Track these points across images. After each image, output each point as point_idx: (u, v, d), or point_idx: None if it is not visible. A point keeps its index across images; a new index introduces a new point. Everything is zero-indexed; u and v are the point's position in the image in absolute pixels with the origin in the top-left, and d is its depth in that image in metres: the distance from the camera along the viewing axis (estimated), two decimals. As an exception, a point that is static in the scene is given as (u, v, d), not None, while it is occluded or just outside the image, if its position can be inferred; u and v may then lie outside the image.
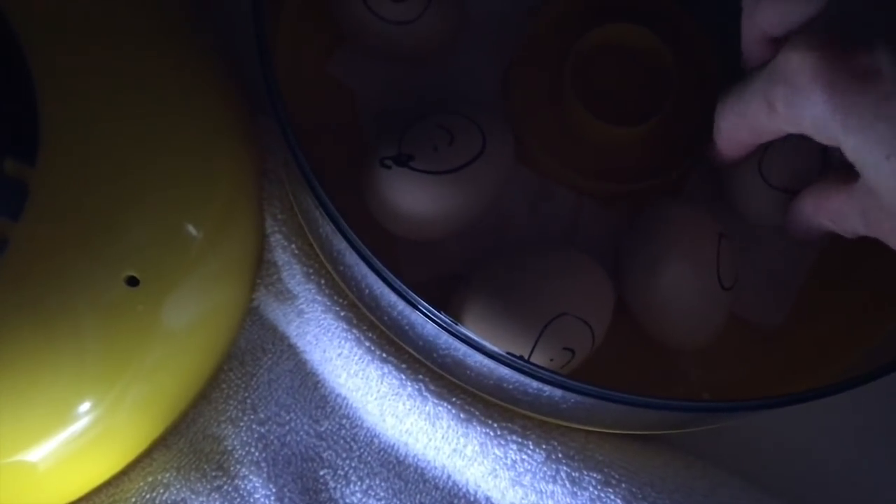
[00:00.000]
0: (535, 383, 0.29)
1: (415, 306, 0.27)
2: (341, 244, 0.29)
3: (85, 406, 0.32)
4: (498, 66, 0.37)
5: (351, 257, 0.29)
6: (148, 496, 0.34)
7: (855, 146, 0.26)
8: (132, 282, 0.30)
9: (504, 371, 0.30)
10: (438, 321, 0.27)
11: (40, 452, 0.32)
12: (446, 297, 0.34)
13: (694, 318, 0.34)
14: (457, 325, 0.27)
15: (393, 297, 0.29)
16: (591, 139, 0.36)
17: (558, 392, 0.30)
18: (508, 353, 0.27)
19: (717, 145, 0.33)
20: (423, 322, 0.29)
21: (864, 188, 0.27)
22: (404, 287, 0.27)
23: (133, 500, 0.34)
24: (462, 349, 0.29)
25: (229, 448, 0.35)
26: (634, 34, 0.36)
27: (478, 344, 0.26)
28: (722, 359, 0.36)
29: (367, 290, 0.32)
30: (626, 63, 0.36)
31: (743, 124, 0.30)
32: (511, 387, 0.32)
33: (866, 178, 0.27)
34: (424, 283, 0.36)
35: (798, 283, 0.37)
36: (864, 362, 0.34)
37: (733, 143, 0.32)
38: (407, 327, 0.32)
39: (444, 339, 0.30)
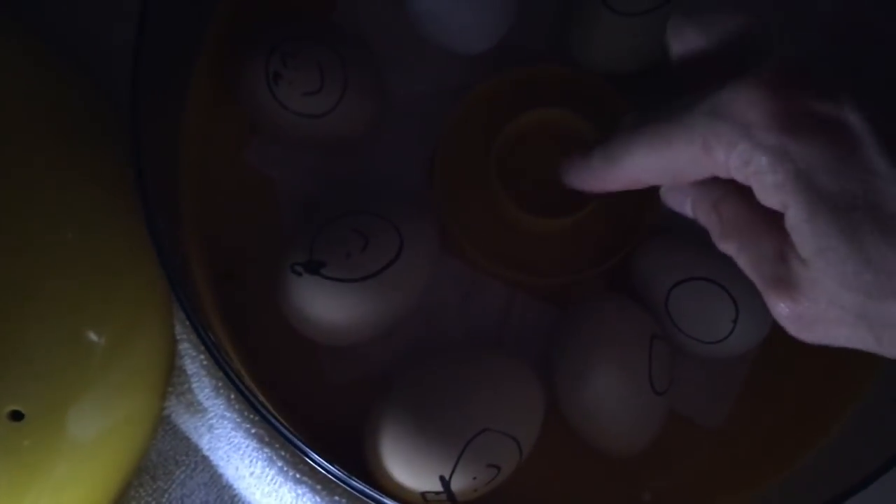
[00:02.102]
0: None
1: (306, 456, 0.25)
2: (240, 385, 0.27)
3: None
4: (423, 154, 0.35)
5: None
6: None
7: (798, 215, 0.22)
8: (16, 416, 0.28)
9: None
10: (331, 473, 0.25)
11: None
12: (369, 401, 0.32)
13: (625, 425, 0.32)
14: (350, 478, 0.25)
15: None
16: (521, 230, 0.34)
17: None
18: (422, 492, 0.25)
19: (604, 180, 0.27)
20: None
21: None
22: (295, 438, 0.25)
23: None
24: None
25: (140, 571, 0.33)
26: (566, 119, 0.34)
27: (372, 497, 0.24)
28: (664, 458, 0.35)
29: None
30: (557, 149, 0.34)
31: (655, 163, 0.25)
32: (431, 510, 0.30)
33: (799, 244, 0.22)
34: (347, 387, 0.35)
35: (739, 380, 0.35)
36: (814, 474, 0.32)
37: (630, 180, 0.26)
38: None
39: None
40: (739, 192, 0.25)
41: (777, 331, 0.29)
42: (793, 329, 0.24)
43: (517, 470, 0.32)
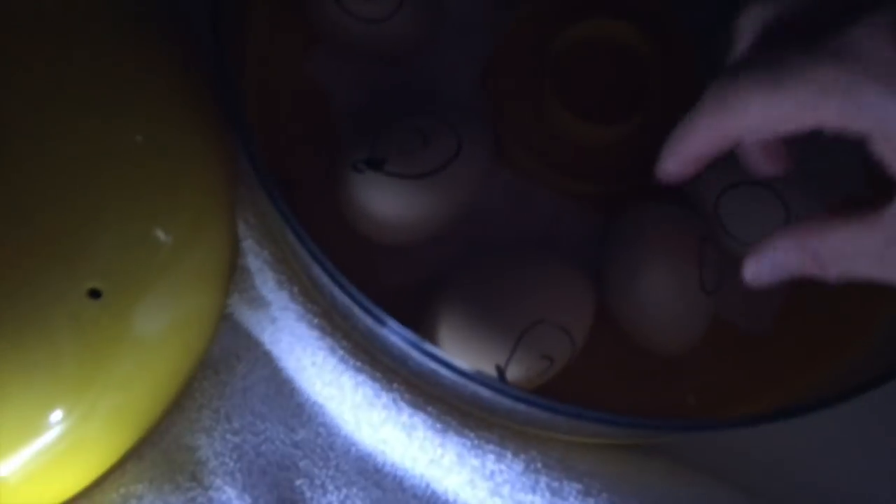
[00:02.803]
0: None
1: (382, 323, 0.26)
2: (306, 257, 0.28)
3: (56, 417, 0.31)
4: (476, 65, 0.36)
5: (316, 269, 0.28)
6: (121, 508, 0.34)
7: None
8: (95, 294, 0.30)
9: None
10: (406, 339, 0.26)
11: (10, 466, 0.31)
12: (423, 302, 0.33)
13: (673, 320, 0.33)
14: (423, 342, 0.26)
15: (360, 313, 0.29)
16: (572, 139, 0.35)
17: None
18: (478, 371, 0.26)
19: (707, 134, 0.27)
20: (392, 337, 0.29)
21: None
22: (370, 304, 0.26)
23: (106, 512, 0.34)
24: (433, 364, 0.28)
25: (203, 458, 0.34)
26: (617, 30, 0.35)
27: (446, 362, 0.26)
28: (709, 362, 0.35)
29: (338, 300, 0.31)
30: (608, 60, 0.35)
31: (764, 106, 0.24)
32: (487, 397, 0.31)
33: None
34: (400, 288, 0.36)
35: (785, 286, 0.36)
36: (853, 373, 0.33)
37: (735, 129, 0.25)
38: (379, 339, 0.31)
39: (416, 353, 0.29)
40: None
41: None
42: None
43: (565, 368, 0.33)
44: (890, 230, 0.24)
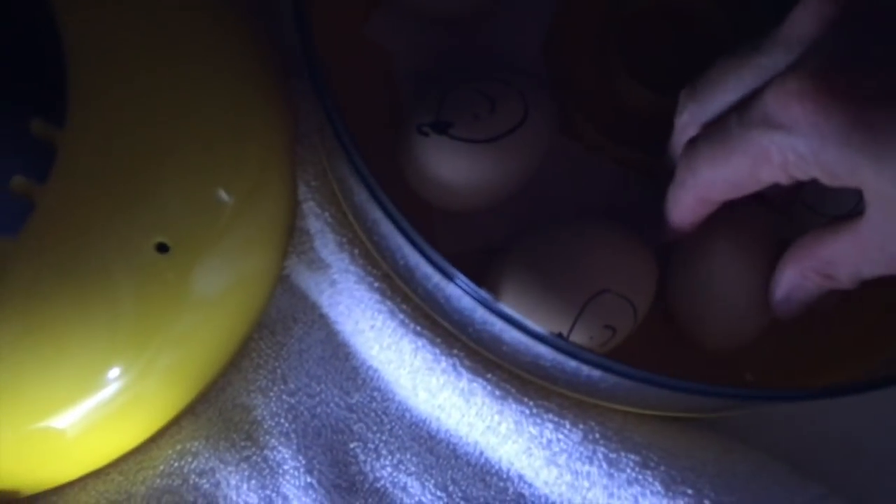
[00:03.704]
0: (573, 362, 0.28)
1: (451, 279, 0.26)
2: (376, 213, 0.28)
3: (115, 372, 0.31)
4: (540, 31, 0.36)
5: (386, 227, 0.28)
6: (176, 464, 0.34)
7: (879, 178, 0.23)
8: (162, 248, 0.30)
9: (541, 348, 0.29)
10: (475, 296, 0.26)
11: (69, 418, 0.31)
12: (481, 271, 0.33)
13: (740, 307, 0.32)
14: (496, 301, 0.25)
15: (428, 269, 0.28)
16: (638, 109, 0.35)
17: (597, 372, 0.28)
18: (550, 332, 0.26)
19: (679, 210, 0.30)
20: (460, 296, 0.28)
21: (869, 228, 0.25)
22: (441, 259, 0.26)
23: (161, 467, 0.34)
24: (498, 325, 0.28)
25: (259, 418, 0.34)
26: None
27: (516, 321, 0.25)
28: (768, 339, 0.35)
29: (401, 262, 0.31)
30: (676, 29, 0.35)
31: (719, 178, 0.27)
32: (548, 364, 0.31)
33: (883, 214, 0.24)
34: (459, 256, 0.35)
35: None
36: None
37: (701, 201, 0.29)
38: (442, 301, 0.31)
39: (480, 314, 0.29)
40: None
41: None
42: None
43: (628, 336, 0.32)
44: (875, 237, 0.25)
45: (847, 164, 0.23)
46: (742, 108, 0.26)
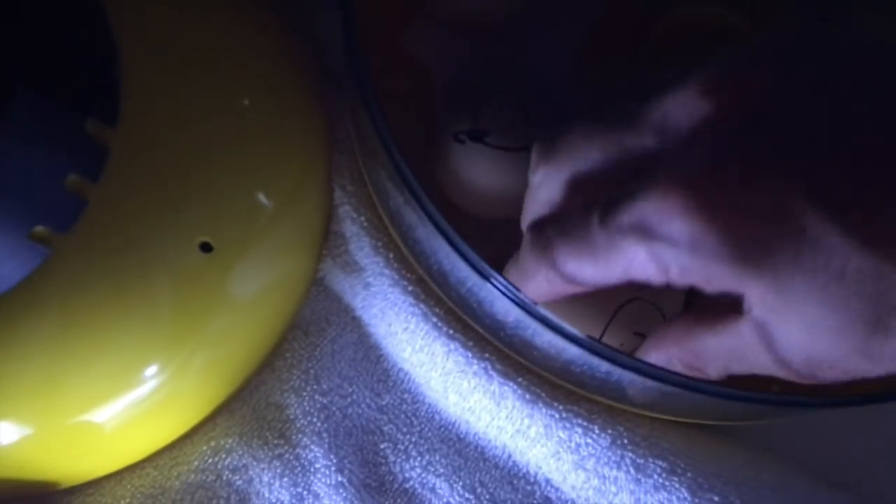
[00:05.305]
0: (604, 366, 0.29)
1: (488, 279, 0.27)
2: (412, 217, 0.28)
3: (152, 369, 0.32)
4: (575, 43, 0.37)
5: (422, 230, 0.28)
6: (210, 460, 0.34)
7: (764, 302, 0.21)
8: (206, 248, 0.30)
9: (572, 352, 0.29)
10: (511, 296, 0.26)
11: (106, 413, 0.32)
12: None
13: None
14: (534, 303, 0.26)
15: (463, 273, 0.29)
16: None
17: (626, 376, 0.29)
18: (589, 336, 0.26)
19: (539, 294, 0.26)
20: (493, 300, 0.29)
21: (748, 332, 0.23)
22: (479, 259, 0.27)
23: (195, 463, 0.34)
24: (531, 328, 0.29)
25: (291, 417, 0.35)
26: (718, 15, 0.35)
27: (552, 323, 0.26)
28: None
29: (436, 265, 0.32)
30: (708, 46, 0.35)
31: (587, 274, 0.24)
32: (579, 369, 0.31)
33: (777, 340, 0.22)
34: (492, 262, 0.36)
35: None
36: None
37: (571, 290, 0.25)
38: (475, 304, 0.31)
39: (513, 317, 0.30)
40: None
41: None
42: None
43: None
44: (749, 339, 0.23)
45: (733, 277, 0.22)
46: (606, 208, 0.23)
